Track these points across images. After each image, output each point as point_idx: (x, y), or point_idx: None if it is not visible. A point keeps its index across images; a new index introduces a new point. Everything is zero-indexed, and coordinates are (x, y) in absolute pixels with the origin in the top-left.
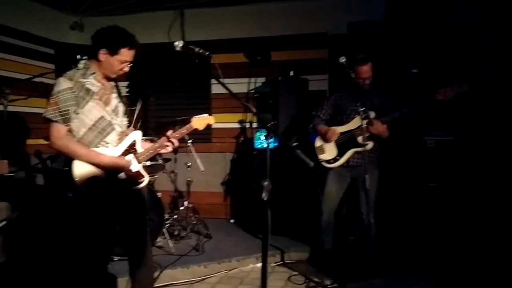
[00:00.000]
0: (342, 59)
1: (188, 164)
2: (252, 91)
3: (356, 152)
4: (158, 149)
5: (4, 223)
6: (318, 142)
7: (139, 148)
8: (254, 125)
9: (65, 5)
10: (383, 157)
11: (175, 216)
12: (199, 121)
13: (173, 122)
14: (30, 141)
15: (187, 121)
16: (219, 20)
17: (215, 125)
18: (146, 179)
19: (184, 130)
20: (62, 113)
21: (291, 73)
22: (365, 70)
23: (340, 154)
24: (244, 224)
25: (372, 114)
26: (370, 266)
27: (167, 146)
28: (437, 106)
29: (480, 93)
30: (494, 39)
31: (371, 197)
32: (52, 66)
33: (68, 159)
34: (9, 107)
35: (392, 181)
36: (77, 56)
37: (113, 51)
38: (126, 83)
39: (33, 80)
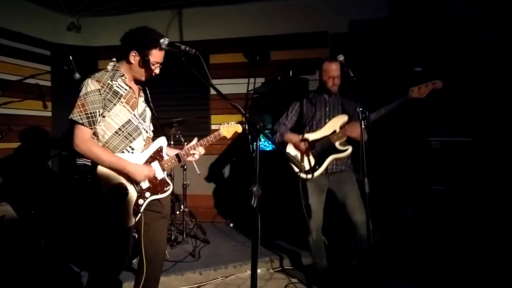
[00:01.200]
0: (340, 57)
1: (184, 167)
2: (252, 91)
3: (336, 159)
4: (184, 157)
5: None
6: (292, 152)
7: (165, 155)
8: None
9: (60, 6)
10: (386, 159)
11: (171, 221)
12: (227, 129)
13: (170, 124)
14: (26, 144)
15: (215, 130)
16: (217, 19)
17: (214, 126)
18: (170, 188)
19: (211, 138)
20: (88, 115)
21: (291, 73)
22: (333, 68)
23: (319, 162)
24: (243, 228)
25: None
26: (372, 273)
27: (194, 154)
28: (420, 106)
29: (487, 92)
30: (501, 37)
31: (359, 201)
32: (48, 68)
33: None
34: (2, 109)
35: (396, 183)
36: (70, 57)
37: (144, 53)
38: None
39: (28, 82)
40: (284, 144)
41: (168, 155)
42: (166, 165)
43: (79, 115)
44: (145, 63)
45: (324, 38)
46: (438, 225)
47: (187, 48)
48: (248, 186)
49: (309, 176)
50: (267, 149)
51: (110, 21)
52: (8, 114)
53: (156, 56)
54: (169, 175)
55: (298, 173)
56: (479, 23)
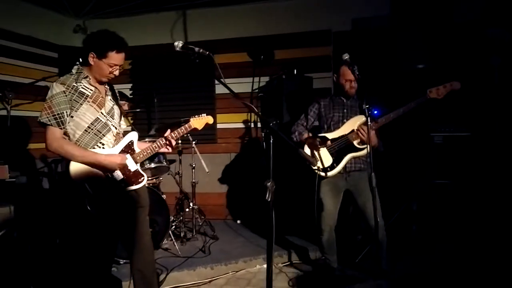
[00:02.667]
0: (346, 56)
1: (193, 165)
2: (256, 90)
3: (354, 157)
4: (156, 149)
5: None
6: (308, 151)
7: (136, 148)
8: (259, 125)
9: (67, 9)
10: (389, 154)
11: (181, 218)
12: (198, 121)
13: (177, 123)
14: (34, 146)
15: (187, 121)
16: (221, 19)
17: (220, 126)
18: (145, 179)
19: (182, 130)
20: (55, 116)
21: (295, 71)
22: (351, 71)
23: (336, 161)
24: (251, 224)
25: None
26: (379, 267)
27: (167, 145)
28: (433, 104)
29: (487, 88)
30: (501, 33)
31: (379, 204)
32: (56, 70)
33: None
34: (13, 112)
35: (399, 178)
36: (80, 59)
37: (100, 55)
38: (129, 85)
39: (37, 84)
40: (301, 144)
41: (139, 148)
42: (138, 158)
43: (47, 117)
44: (102, 65)
45: (327, 37)
46: (442, 219)
47: (201, 50)
48: (255, 184)
49: (328, 173)
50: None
51: (116, 23)
52: (20, 116)
53: (113, 58)
54: (177, 173)
55: (317, 171)
56: (479, 20)
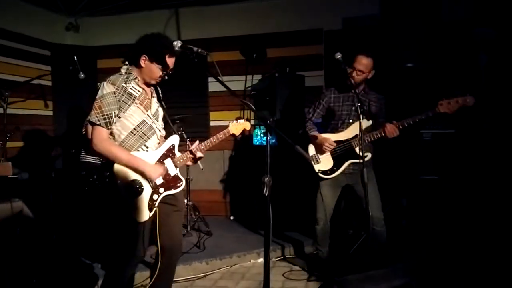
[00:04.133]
0: (338, 55)
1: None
2: (249, 88)
3: (353, 163)
4: (195, 152)
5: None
6: (311, 151)
7: (177, 152)
8: (252, 122)
9: (59, 7)
10: (379, 152)
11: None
12: (236, 126)
13: (173, 121)
14: (31, 143)
15: (225, 127)
16: (214, 18)
17: (213, 123)
18: (183, 183)
19: (221, 135)
20: (104, 116)
21: (287, 69)
22: (365, 63)
23: (337, 165)
24: (244, 220)
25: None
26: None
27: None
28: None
29: (474, 86)
30: (488, 32)
31: (377, 198)
32: (48, 68)
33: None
34: (8, 110)
35: (389, 174)
36: (75, 57)
37: (153, 58)
38: None
39: (30, 82)
40: (307, 138)
41: (180, 152)
42: (178, 162)
43: (96, 117)
44: (154, 68)
45: (318, 36)
46: (431, 214)
47: (199, 50)
48: (249, 181)
49: (328, 176)
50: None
51: (108, 21)
52: (13, 114)
53: (165, 62)
54: None
55: (318, 172)
56: (467, 19)
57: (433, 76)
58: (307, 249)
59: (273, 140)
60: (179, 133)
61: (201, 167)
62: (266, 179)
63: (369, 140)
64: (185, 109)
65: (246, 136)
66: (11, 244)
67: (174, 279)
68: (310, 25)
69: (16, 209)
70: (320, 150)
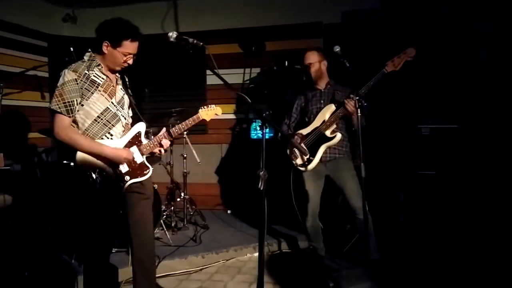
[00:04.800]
0: (337, 48)
1: (184, 156)
2: (247, 81)
3: (328, 147)
4: (161, 140)
5: None
6: (288, 149)
7: (143, 139)
8: (250, 115)
9: None
10: (377, 146)
11: (172, 208)
12: (206, 112)
13: (168, 114)
14: (25, 135)
15: (194, 112)
16: (212, 10)
17: None
18: (150, 171)
19: (190, 121)
20: (66, 104)
21: (286, 63)
22: (308, 55)
23: (312, 154)
24: (241, 214)
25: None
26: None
27: (161, 147)
28: (389, 77)
29: (474, 81)
30: (488, 26)
31: (357, 187)
32: (45, 59)
33: (65, 152)
34: (3, 101)
35: (387, 169)
36: (71, 48)
37: (115, 43)
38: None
39: (26, 73)
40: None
41: (146, 140)
42: (144, 150)
43: (57, 104)
44: (116, 53)
45: (318, 29)
46: (429, 209)
47: (195, 41)
48: (246, 174)
49: (308, 168)
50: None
51: (106, 13)
52: (9, 105)
53: (127, 47)
54: (168, 163)
55: (295, 165)
56: (467, 13)
57: (432, 70)
58: (303, 244)
59: (271, 134)
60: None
61: (198, 161)
62: (261, 173)
63: (335, 120)
64: (182, 102)
65: (244, 129)
66: (2, 236)
67: (170, 272)
68: (310, 18)
69: (8, 200)
70: (294, 146)
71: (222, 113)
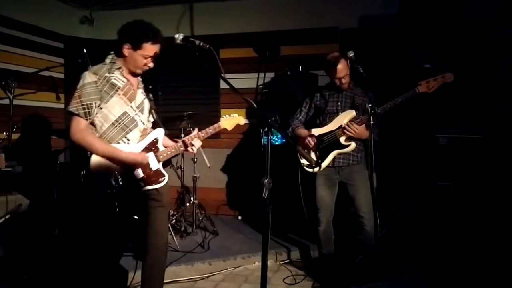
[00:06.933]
0: (351, 54)
1: (195, 160)
2: (261, 86)
3: (340, 154)
4: (181, 148)
5: (3, 219)
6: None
7: (161, 146)
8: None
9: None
10: (394, 155)
11: (181, 212)
12: (228, 121)
13: (181, 117)
14: (39, 136)
15: (216, 121)
16: (228, 14)
17: None
18: (165, 178)
19: (211, 130)
20: (84, 106)
21: (300, 68)
22: (339, 69)
23: (322, 157)
24: (251, 221)
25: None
26: (377, 267)
27: (193, 146)
28: (421, 98)
29: (495, 90)
30: (510, 33)
31: (369, 198)
32: (61, 60)
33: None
34: (16, 101)
35: (403, 179)
36: (84, 50)
37: (136, 46)
38: None
39: (41, 74)
40: (296, 138)
41: (165, 146)
42: (161, 156)
43: (75, 107)
44: (137, 56)
45: (334, 34)
46: (445, 221)
47: (201, 43)
48: (257, 180)
49: (315, 170)
50: (276, 143)
51: (122, 15)
52: (23, 105)
53: (148, 49)
54: (179, 167)
55: (302, 165)
56: (489, 20)
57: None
58: (313, 253)
59: (283, 140)
60: (187, 129)
61: (208, 165)
62: (265, 181)
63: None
64: (195, 106)
65: (256, 134)
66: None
67: (176, 279)
68: (326, 23)
69: (11, 202)
70: (303, 145)
71: None
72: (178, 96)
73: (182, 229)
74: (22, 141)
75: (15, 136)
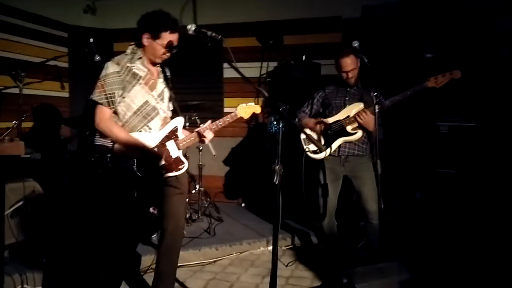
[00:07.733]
0: (355, 43)
1: (200, 148)
2: (264, 75)
3: (346, 142)
4: (200, 136)
5: (21, 203)
6: (303, 134)
7: (180, 134)
8: (266, 109)
9: None
10: (395, 143)
11: (187, 199)
12: (245, 110)
13: (186, 106)
14: (45, 124)
15: (229, 113)
16: (231, 3)
17: (227, 109)
18: (185, 166)
19: (228, 118)
20: (107, 96)
21: (303, 57)
22: (348, 63)
23: (327, 144)
24: (255, 208)
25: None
26: (379, 253)
27: (205, 137)
28: (432, 93)
29: (496, 79)
30: (510, 23)
31: (374, 191)
32: (65, 50)
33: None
34: (25, 90)
35: (404, 167)
36: (90, 40)
37: (155, 35)
38: None
39: (47, 63)
40: (303, 128)
41: (183, 135)
42: (181, 144)
43: (99, 96)
44: (156, 45)
45: (337, 23)
46: (445, 208)
47: (213, 34)
48: (261, 168)
49: (317, 156)
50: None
51: (126, 4)
52: (29, 94)
53: (166, 39)
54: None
55: (307, 150)
56: (490, 9)
57: (453, 67)
58: (316, 239)
59: (287, 128)
60: (192, 118)
61: (214, 153)
62: (277, 167)
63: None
64: (199, 95)
65: (261, 123)
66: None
67: (184, 263)
68: (329, 13)
69: (28, 188)
70: (312, 130)
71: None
72: (182, 85)
73: (187, 216)
74: (33, 129)
75: (24, 124)
